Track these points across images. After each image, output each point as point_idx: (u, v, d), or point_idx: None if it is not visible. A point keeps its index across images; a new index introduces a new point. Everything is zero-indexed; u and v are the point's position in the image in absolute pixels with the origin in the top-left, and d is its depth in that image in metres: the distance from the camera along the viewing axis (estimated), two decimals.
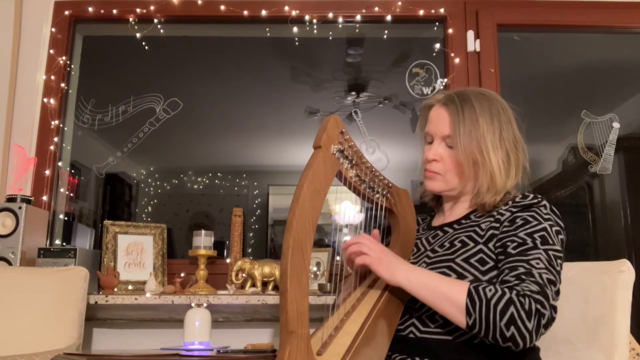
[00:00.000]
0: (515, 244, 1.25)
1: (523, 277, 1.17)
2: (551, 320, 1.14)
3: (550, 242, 1.24)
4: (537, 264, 1.19)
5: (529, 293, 1.13)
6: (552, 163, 2.84)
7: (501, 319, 1.11)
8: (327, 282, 2.18)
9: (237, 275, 2.10)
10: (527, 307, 1.11)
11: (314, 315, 1.26)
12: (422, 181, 1.53)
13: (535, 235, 1.25)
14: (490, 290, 1.15)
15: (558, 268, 1.22)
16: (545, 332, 1.15)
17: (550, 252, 1.22)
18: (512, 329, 1.11)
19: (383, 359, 1.23)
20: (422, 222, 1.61)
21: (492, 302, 1.12)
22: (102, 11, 2.57)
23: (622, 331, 1.50)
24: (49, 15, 2.56)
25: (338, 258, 1.40)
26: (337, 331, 1.15)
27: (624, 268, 1.54)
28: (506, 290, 1.14)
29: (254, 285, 2.11)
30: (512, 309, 1.11)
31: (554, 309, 1.15)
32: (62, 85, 2.52)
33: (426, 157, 1.43)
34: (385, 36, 2.71)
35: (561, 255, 1.25)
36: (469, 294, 1.15)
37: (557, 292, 1.20)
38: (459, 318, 1.16)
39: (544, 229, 1.26)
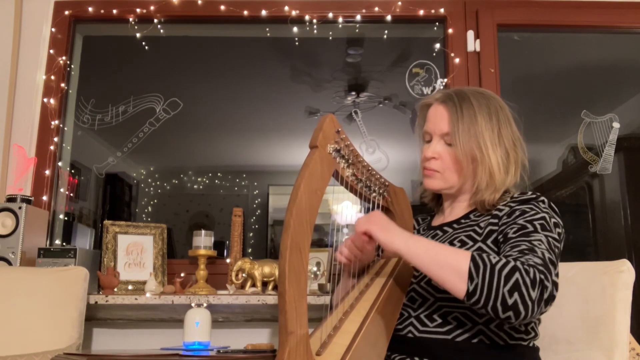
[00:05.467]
0: (515, 229, 1.25)
1: (526, 251, 1.17)
2: (552, 296, 1.12)
3: (549, 229, 1.24)
4: (539, 244, 1.19)
5: (533, 264, 1.12)
6: (552, 163, 2.84)
7: (505, 285, 1.09)
8: (327, 282, 2.18)
9: (237, 275, 2.10)
10: (532, 275, 1.10)
11: (314, 315, 1.26)
12: (421, 182, 1.54)
13: (535, 222, 1.25)
14: (494, 257, 1.13)
15: (557, 254, 1.22)
16: (545, 310, 1.13)
17: (550, 238, 1.22)
18: (516, 295, 1.09)
19: (382, 358, 1.23)
20: (422, 222, 1.61)
21: (497, 267, 1.11)
22: (102, 11, 2.57)
23: (622, 331, 1.50)
24: (49, 15, 2.56)
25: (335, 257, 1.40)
26: (336, 331, 1.15)
27: (624, 268, 1.55)
28: (510, 259, 1.13)
29: (254, 285, 2.12)
30: (517, 274, 1.09)
31: (555, 285, 1.14)
32: (62, 85, 2.52)
33: (425, 155, 1.42)
34: (385, 36, 2.72)
35: (559, 245, 1.25)
36: (473, 259, 1.12)
37: (557, 275, 1.19)
38: (459, 285, 1.12)
39: (543, 218, 1.26)
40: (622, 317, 1.51)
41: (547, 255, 1.17)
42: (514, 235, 1.24)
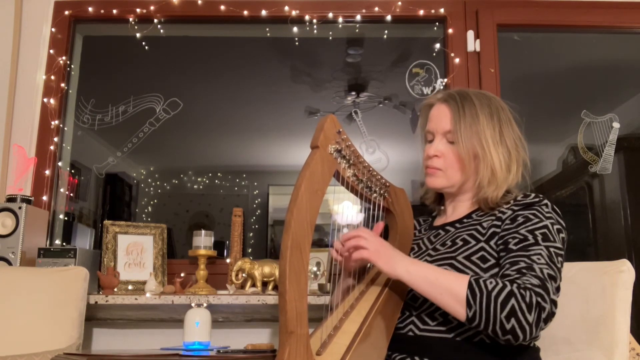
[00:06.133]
0: (516, 240, 1.25)
1: (524, 271, 1.18)
2: (551, 314, 1.14)
3: (551, 239, 1.25)
4: (538, 259, 1.20)
5: (529, 286, 1.13)
6: (552, 163, 2.84)
7: (502, 311, 1.11)
8: (327, 282, 2.18)
9: (237, 275, 2.10)
10: (527, 299, 1.11)
11: (314, 315, 1.26)
12: (422, 182, 1.54)
13: (537, 232, 1.25)
14: (491, 282, 1.15)
15: (559, 265, 1.23)
16: (545, 327, 1.15)
17: (551, 249, 1.23)
18: (513, 321, 1.11)
19: (383, 358, 1.23)
20: (423, 223, 1.62)
21: (493, 294, 1.13)
22: (102, 11, 2.57)
23: (622, 331, 1.50)
24: (49, 15, 2.56)
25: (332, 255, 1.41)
26: (336, 331, 1.16)
27: (624, 268, 1.55)
28: (507, 283, 1.14)
29: (254, 285, 2.12)
30: (512, 301, 1.11)
31: (554, 303, 1.15)
32: (62, 85, 2.52)
33: (427, 154, 1.43)
34: (385, 36, 2.71)
35: (562, 253, 1.25)
36: (470, 286, 1.15)
37: (558, 289, 1.20)
38: (459, 311, 1.16)
39: (545, 227, 1.26)
40: (622, 317, 1.51)
41: (546, 271, 1.18)
42: (514, 248, 1.24)
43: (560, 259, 1.24)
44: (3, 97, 2.43)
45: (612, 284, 1.54)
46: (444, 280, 1.18)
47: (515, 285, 1.13)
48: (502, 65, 2.50)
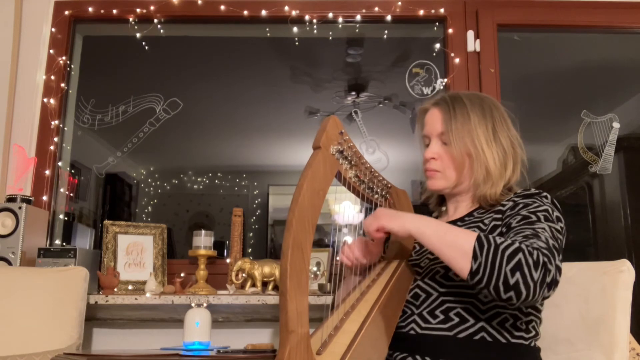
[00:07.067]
0: (519, 219, 1.26)
1: (530, 237, 1.18)
2: (555, 281, 1.13)
3: (552, 220, 1.26)
4: (542, 231, 1.21)
5: (537, 247, 1.13)
6: (552, 163, 2.85)
7: (508, 264, 1.10)
8: (327, 282, 2.18)
9: (237, 275, 2.10)
10: (535, 257, 1.11)
11: (314, 315, 1.26)
12: (422, 184, 1.54)
13: (538, 213, 1.27)
14: (500, 238, 1.15)
15: (560, 242, 1.23)
16: (549, 295, 1.14)
17: (553, 228, 1.24)
18: (518, 275, 1.09)
19: (383, 358, 1.23)
20: None
21: (501, 246, 1.12)
22: (102, 11, 2.57)
23: (622, 331, 1.50)
24: (49, 15, 2.56)
25: (338, 258, 1.41)
26: (336, 330, 1.15)
27: (624, 268, 1.55)
28: (516, 241, 1.14)
29: (254, 285, 2.12)
30: (520, 255, 1.11)
31: (559, 270, 1.14)
32: (62, 85, 2.52)
33: (425, 157, 1.46)
34: (385, 36, 2.72)
35: (561, 237, 1.26)
36: (478, 239, 1.14)
37: (560, 261, 1.19)
38: (463, 265, 1.14)
39: (546, 210, 1.28)
40: (622, 317, 1.51)
41: (550, 241, 1.18)
42: (517, 225, 1.25)
43: (560, 241, 1.24)
44: (3, 97, 2.43)
45: (612, 284, 1.54)
46: (453, 233, 1.18)
47: (524, 244, 1.13)
48: (502, 65, 2.51)
